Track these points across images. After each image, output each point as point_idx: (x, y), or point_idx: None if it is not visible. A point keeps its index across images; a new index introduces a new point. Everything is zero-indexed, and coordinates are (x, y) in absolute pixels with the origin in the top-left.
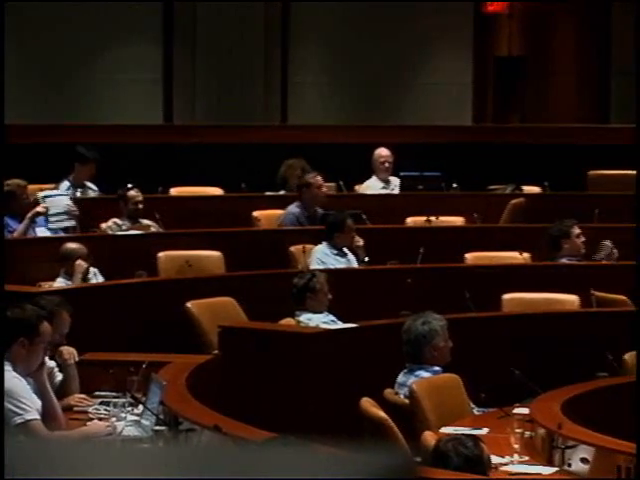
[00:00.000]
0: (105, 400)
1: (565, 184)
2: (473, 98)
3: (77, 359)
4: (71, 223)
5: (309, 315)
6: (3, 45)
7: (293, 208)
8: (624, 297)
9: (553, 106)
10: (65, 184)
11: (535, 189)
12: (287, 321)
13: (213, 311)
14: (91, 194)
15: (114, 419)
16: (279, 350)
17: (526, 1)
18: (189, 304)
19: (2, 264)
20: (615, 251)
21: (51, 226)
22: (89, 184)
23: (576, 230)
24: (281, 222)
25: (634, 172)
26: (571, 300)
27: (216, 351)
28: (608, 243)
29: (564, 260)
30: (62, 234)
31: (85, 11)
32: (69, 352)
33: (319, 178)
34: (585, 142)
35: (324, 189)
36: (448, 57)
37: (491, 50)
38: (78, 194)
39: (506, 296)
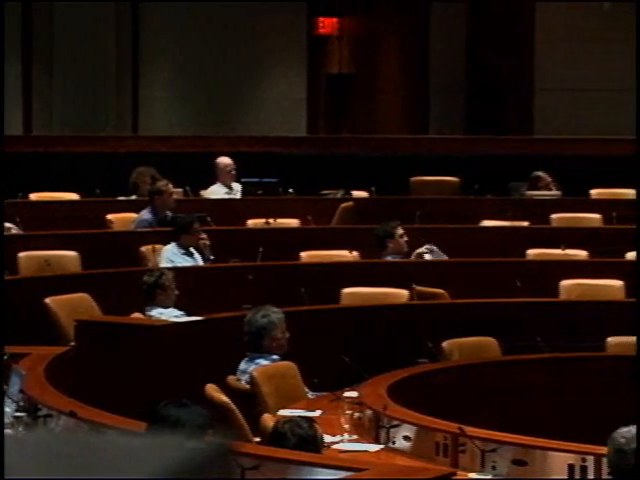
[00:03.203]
0: None
1: (390, 189)
2: (307, 111)
3: None
4: None
5: (160, 310)
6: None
7: (146, 214)
8: (442, 290)
9: (379, 119)
10: None
11: (363, 194)
12: (136, 315)
13: (70, 306)
14: None
15: None
16: (131, 341)
17: (355, 17)
18: (48, 300)
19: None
20: (436, 249)
21: None
22: None
23: (399, 231)
24: (135, 227)
25: (450, 178)
26: (401, 294)
27: (73, 343)
28: (434, 247)
29: (389, 258)
30: None
31: None
32: None
33: (170, 186)
34: (407, 151)
35: (174, 196)
36: (284, 74)
37: (323, 68)
38: None
39: (345, 290)
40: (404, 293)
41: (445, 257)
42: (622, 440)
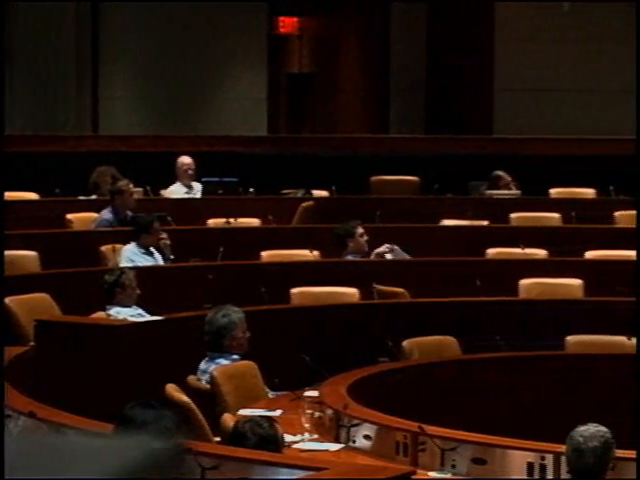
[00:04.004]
0: None
1: (350, 188)
2: (268, 111)
3: None
4: None
5: (118, 309)
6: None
7: (106, 214)
8: (402, 289)
9: (339, 118)
10: None
11: (323, 193)
12: (98, 315)
13: (30, 306)
14: None
15: None
16: (90, 341)
17: (315, 17)
18: (7, 300)
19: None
20: (397, 248)
21: None
22: None
23: (360, 230)
24: (95, 227)
25: (410, 177)
26: (351, 293)
27: (32, 343)
28: (395, 246)
29: (349, 257)
30: None
31: None
32: None
33: (131, 186)
34: (368, 151)
35: (134, 195)
36: (245, 74)
37: (283, 67)
38: None
39: (294, 290)
40: (353, 291)
41: (407, 256)
42: (580, 439)
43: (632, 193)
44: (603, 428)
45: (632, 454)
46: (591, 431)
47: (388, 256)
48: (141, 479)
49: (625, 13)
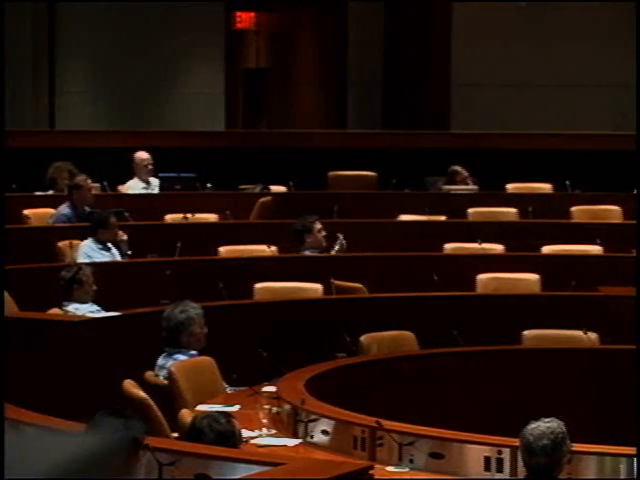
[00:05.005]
0: None
1: (308, 184)
2: (225, 106)
3: None
4: None
5: (75, 305)
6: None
7: (64, 209)
8: (360, 285)
9: (296, 113)
10: None
11: (281, 188)
12: (55, 311)
13: None
14: None
15: None
16: (48, 337)
17: (272, 12)
18: None
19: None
20: (344, 242)
21: None
22: None
23: (318, 225)
24: (53, 222)
25: (368, 173)
26: (315, 288)
27: None
28: (340, 236)
29: (307, 252)
30: None
31: None
32: None
33: (89, 181)
34: (325, 146)
35: (92, 191)
36: (202, 69)
37: (240, 62)
38: None
39: (258, 285)
40: (317, 287)
41: (344, 243)
42: (530, 438)
43: (588, 188)
44: (554, 424)
45: (588, 448)
46: (541, 429)
47: (337, 247)
48: (88, 475)
49: (578, 11)
